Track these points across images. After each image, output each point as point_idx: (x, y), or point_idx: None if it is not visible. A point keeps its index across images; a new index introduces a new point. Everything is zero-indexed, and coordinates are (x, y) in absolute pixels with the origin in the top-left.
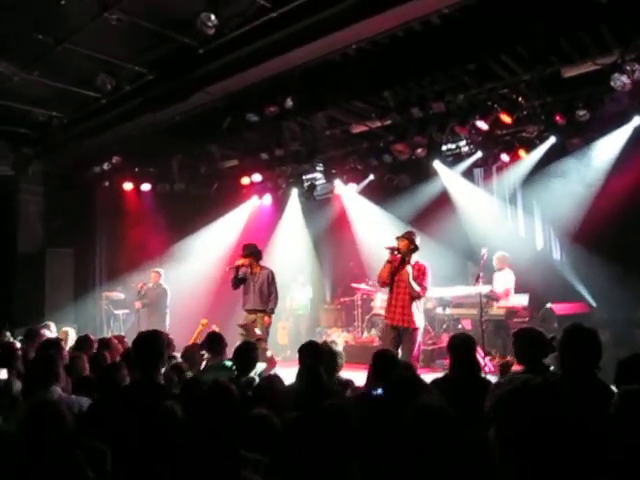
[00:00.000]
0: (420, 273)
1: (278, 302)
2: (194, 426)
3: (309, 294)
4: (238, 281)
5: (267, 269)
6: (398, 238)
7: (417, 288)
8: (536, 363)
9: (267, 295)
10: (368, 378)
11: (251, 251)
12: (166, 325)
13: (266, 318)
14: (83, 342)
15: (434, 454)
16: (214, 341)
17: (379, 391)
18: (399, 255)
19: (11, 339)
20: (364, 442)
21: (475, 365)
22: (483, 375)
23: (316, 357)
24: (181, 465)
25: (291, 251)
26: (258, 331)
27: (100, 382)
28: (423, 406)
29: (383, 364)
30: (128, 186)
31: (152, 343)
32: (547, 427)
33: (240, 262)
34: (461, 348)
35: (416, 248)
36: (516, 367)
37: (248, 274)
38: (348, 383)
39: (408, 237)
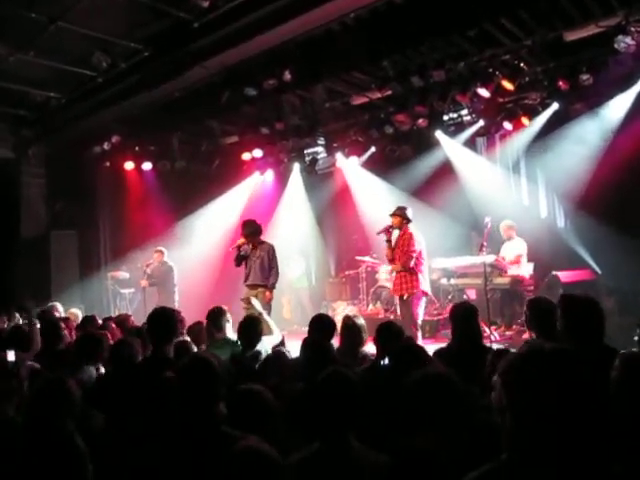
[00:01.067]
0: (405, 242)
1: (279, 277)
2: (182, 398)
3: (301, 266)
4: (240, 258)
5: (267, 244)
6: (391, 215)
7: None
8: (549, 332)
9: (268, 270)
10: (377, 350)
11: (251, 228)
12: (175, 302)
13: (267, 293)
14: (89, 321)
15: (438, 422)
16: (216, 316)
17: (386, 361)
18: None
19: (20, 321)
20: (370, 412)
21: (477, 334)
22: (487, 344)
23: (324, 330)
24: (168, 433)
25: (294, 226)
26: (258, 307)
27: (112, 358)
28: (428, 374)
29: (387, 336)
30: (129, 165)
31: (166, 319)
32: (561, 391)
33: (241, 241)
34: (462, 317)
35: (409, 221)
36: (526, 335)
37: (249, 251)
38: (365, 357)
39: (400, 213)
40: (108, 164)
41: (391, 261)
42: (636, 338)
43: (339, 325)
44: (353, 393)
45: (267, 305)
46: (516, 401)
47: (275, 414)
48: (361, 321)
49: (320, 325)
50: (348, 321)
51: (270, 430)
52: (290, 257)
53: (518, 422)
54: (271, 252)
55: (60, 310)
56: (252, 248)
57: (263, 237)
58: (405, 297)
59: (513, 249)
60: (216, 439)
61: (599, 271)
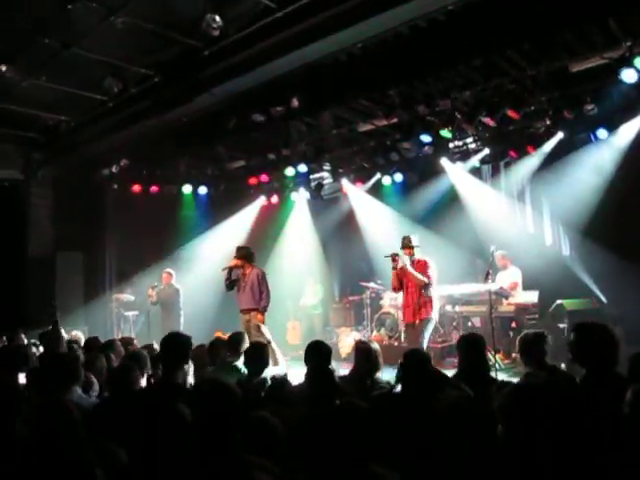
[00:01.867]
0: (421, 269)
1: (270, 300)
2: (199, 429)
3: (319, 294)
4: (231, 283)
5: (257, 269)
6: (402, 248)
7: (420, 277)
8: (538, 364)
9: (259, 294)
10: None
11: (244, 253)
12: (181, 326)
13: (259, 316)
14: (92, 344)
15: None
16: (237, 342)
17: (398, 388)
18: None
19: (25, 341)
20: (384, 440)
21: (484, 365)
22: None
23: (322, 356)
24: (190, 468)
25: (300, 251)
26: (268, 335)
27: (110, 384)
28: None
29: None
30: (137, 188)
31: (179, 345)
32: (549, 424)
33: (233, 263)
34: (470, 348)
35: (416, 247)
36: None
37: (240, 275)
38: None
39: (407, 245)
40: (116, 187)
41: (395, 289)
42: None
43: (343, 351)
44: (363, 425)
45: (259, 328)
46: (511, 435)
47: (283, 441)
48: (376, 346)
49: (318, 351)
50: (363, 346)
51: (279, 457)
52: (307, 283)
53: (516, 454)
54: (261, 276)
55: (62, 333)
56: (243, 273)
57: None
58: (417, 323)
59: (509, 277)
60: (237, 466)
61: (604, 300)
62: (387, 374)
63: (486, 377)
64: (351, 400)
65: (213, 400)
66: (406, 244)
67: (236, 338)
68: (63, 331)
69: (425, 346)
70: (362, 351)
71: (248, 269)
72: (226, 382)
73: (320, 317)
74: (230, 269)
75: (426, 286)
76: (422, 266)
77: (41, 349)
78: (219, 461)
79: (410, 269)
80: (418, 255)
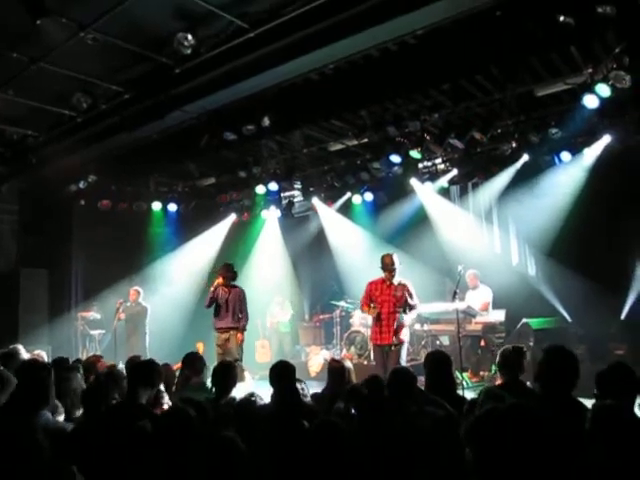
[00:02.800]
0: (404, 291)
1: (249, 320)
2: (159, 447)
3: (289, 312)
4: (212, 300)
5: (238, 288)
6: (384, 270)
7: (413, 310)
8: (513, 380)
9: (239, 313)
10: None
11: (229, 272)
12: (146, 345)
13: (239, 335)
14: (60, 363)
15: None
16: (193, 360)
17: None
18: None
19: None
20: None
21: (450, 382)
22: (460, 392)
23: (286, 377)
24: None
25: (270, 269)
26: (233, 351)
27: (85, 403)
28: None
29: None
30: (105, 205)
31: (148, 372)
32: (513, 449)
33: (219, 281)
34: (435, 366)
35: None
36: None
37: (221, 293)
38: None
39: (389, 268)
40: (83, 202)
41: (365, 311)
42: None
43: (312, 370)
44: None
45: (239, 347)
46: (478, 459)
47: (246, 461)
48: (349, 364)
49: (284, 372)
50: (336, 364)
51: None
52: (276, 302)
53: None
54: (242, 296)
55: (22, 352)
56: (223, 292)
57: (239, 278)
58: (394, 347)
59: (480, 297)
60: None
61: (569, 319)
62: None
63: (452, 395)
64: (329, 420)
65: (168, 422)
66: (389, 267)
67: (192, 357)
68: (23, 350)
69: None
70: (336, 370)
71: (229, 288)
72: (181, 408)
73: (289, 335)
74: (216, 288)
75: (406, 310)
76: (405, 289)
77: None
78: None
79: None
80: (398, 276)
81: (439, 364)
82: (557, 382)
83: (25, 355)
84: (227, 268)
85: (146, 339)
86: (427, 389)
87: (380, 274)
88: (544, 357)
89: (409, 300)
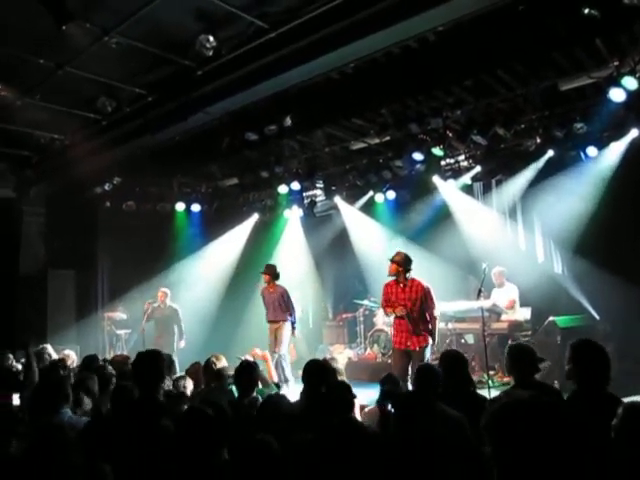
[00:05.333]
0: (421, 295)
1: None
2: (182, 449)
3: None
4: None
5: (281, 288)
6: (392, 261)
7: (434, 315)
8: (525, 378)
9: (285, 308)
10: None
11: (272, 271)
12: (174, 347)
13: (284, 328)
14: (91, 361)
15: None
16: (206, 367)
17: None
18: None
19: (14, 362)
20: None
21: (465, 381)
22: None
23: (320, 375)
24: None
25: (293, 268)
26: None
27: (113, 400)
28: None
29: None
30: (129, 206)
31: (150, 362)
32: (536, 443)
33: (265, 279)
34: (450, 365)
35: (407, 269)
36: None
37: (264, 292)
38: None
39: (398, 260)
40: (108, 204)
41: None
42: None
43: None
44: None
45: (284, 337)
46: (498, 452)
47: (283, 466)
48: (337, 365)
49: (312, 371)
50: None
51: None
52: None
53: (502, 472)
54: (286, 296)
55: (51, 352)
56: (268, 290)
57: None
58: (418, 349)
59: (506, 295)
60: None
61: (597, 316)
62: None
63: (468, 393)
64: (351, 418)
65: (188, 426)
66: (395, 259)
67: (205, 365)
68: (52, 350)
69: None
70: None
71: (272, 287)
72: (200, 408)
73: (300, 335)
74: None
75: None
76: (422, 292)
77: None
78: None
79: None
80: (418, 278)
81: (453, 363)
82: (589, 377)
83: (54, 355)
84: (268, 268)
85: (175, 340)
86: (443, 388)
87: None
88: (571, 353)
89: (425, 302)
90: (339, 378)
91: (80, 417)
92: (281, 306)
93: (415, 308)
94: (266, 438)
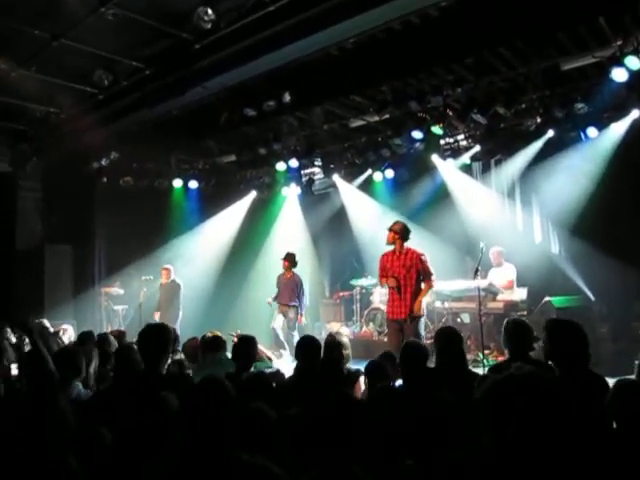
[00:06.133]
0: (415, 261)
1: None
2: (188, 420)
3: None
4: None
5: (297, 276)
6: (397, 234)
7: (427, 280)
8: (519, 353)
9: (296, 295)
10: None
11: (292, 258)
12: (177, 322)
13: (291, 312)
14: (87, 336)
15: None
16: (211, 342)
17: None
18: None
19: (11, 336)
20: (387, 434)
21: (460, 357)
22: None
23: (314, 351)
24: (177, 459)
25: (290, 246)
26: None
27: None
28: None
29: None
30: (126, 182)
31: (158, 336)
32: (532, 416)
33: (284, 265)
34: (445, 342)
35: (404, 238)
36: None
37: (281, 276)
38: (358, 373)
39: (396, 229)
40: (105, 180)
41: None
42: (637, 362)
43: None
44: (353, 419)
45: (293, 321)
46: (493, 425)
47: (279, 435)
48: (343, 338)
49: (306, 345)
50: (329, 338)
51: (275, 451)
52: None
53: (497, 445)
54: (300, 284)
55: (48, 326)
56: (285, 275)
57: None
58: (410, 321)
59: (504, 274)
60: (226, 462)
61: (593, 297)
62: None
63: (463, 370)
64: (345, 393)
65: (204, 394)
66: (402, 233)
67: (213, 340)
68: (48, 324)
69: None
70: (325, 343)
71: (289, 273)
72: (217, 378)
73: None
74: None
75: (429, 282)
76: (416, 258)
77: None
78: (209, 457)
79: (418, 304)
80: (413, 247)
81: (449, 339)
82: (567, 357)
83: (51, 329)
84: (288, 255)
85: (179, 315)
86: (438, 365)
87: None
88: (546, 334)
89: (420, 269)
90: (345, 352)
91: (89, 392)
92: (294, 292)
93: (410, 275)
94: (261, 406)
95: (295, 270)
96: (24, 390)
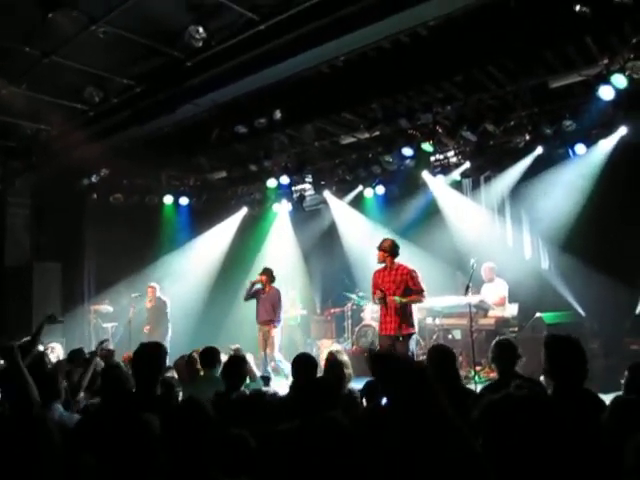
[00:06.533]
0: (406, 277)
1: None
2: (168, 442)
3: (299, 310)
4: (249, 296)
5: (276, 289)
6: (387, 254)
7: (417, 296)
8: (507, 371)
9: (275, 310)
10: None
11: (269, 272)
12: (167, 339)
13: (274, 331)
14: (77, 355)
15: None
16: (207, 354)
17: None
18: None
19: None
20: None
21: (453, 375)
22: (471, 387)
23: (309, 369)
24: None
25: (281, 262)
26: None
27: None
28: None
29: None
30: (117, 198)
31: (152, 356)
32: (528, 437)
33: (258, 279)
34: (438, 359)
35: (394, 254)
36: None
37: (260, 291)
38: (351, 393)
39: (385, 247)
40: (95, 196)
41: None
42: (622, 381)
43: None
44: (340, 444)
45: (273, 338)
46: (489, 446)
47: (258, 459)
48: (344, 357)
49: (303, 364)
50: (330, 357)
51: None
52: (288, 297)
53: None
54: (278, 296)
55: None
56: (263, 290)
57: (251, 272)
58: (402, 338)
59: (496, 290)
60: None
61: (583, 313)
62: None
63: (456, 387)
64: (331, 416)
65: (182, 418)
66: (391, 250)
67: (209, 351)
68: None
69: None
70: (328, 362)
71: (268, 287)
72: (197, 400)
73: (299, 328)
74: (254, 283)
75: (420, 302)
76: (406, 274)
77: None
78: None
79: (404, 300)
80: (404, 263)
81: (442, 357)
82: (564, 373)
83: (40, 348)
84: (265, 270)
85: (169, 333)
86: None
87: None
88: (545, 350)
89: (410, 285)
90: (347, 371)
91: (72, 414)
92: (273, 307)
93: (398, 291)
94: (242, 433)
95: (274, 285)
96: (7, 414)
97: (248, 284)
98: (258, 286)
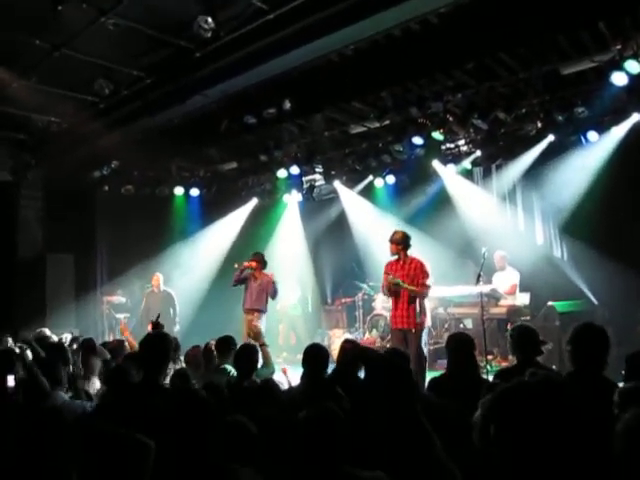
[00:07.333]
0: (418, 271)
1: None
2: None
3: (297, 294)
4: (238, 281)
5: (269, 276)
6: (391, 241)
7: (417, 289)
8: (527, 359)
9: (264, 298)
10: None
11: (259, 258)
12: (172, 331)
13: (259, 320)
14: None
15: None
16: (223, 343)
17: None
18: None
19: (13, 345)
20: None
21: (473, 364)
22: (484, 376)
23: (319, 359)
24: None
25: (291, 253)
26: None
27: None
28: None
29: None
30: (128, 190)
31: (158, 346)
32: (544, 425)
33: (247, 264)
34: (456, 348)
35: (408, 247)
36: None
37: (250, 276)
38: None
39: (397, 240)
40: (107, 188)
41: (386, 294)
42: (623, 372)
43: (335, 353)
44: (338, 432)
45: (262, 330)
46: (501, 436)
47: (260, 446)
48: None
49: (314, 354)
50: (345, 345)
51: (258, 462)
52: (286, 284)
53: (505, 457)
54: (274, 286)
55: (49, 335)
56: (254, 276)
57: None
58: (414, 330)
59: (507, 279)
60: (211, 473)
61: (595, 301)
62: None
63: (475, 377)
64: (326, 406)
65: (182, 409)
66: (393, 239)
67: (225, 341)
68: (49, 333)
69: (426, 354)
70: (341, 350)
71: (259, 274)
72: (196, 391)
73: (300, 318)
74: (243, 268)
75: (422, 297)
76: (419, 268)
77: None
78: (191, 466)
79: (409, 287)
80: (411, 254)
81: (462, 346)
82: (585, 360)
83: (53, 337)
84: (255, 255)
85: (177, 326)
86: (449, 371)
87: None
88: (573, 335)
89: (420, 279)
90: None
91: (74, 401)
92: (262, 295)
93: (412, 285)
94: (241, 419)
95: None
96: (20, 401)
97: (236, 267)
98: (248, 271)
